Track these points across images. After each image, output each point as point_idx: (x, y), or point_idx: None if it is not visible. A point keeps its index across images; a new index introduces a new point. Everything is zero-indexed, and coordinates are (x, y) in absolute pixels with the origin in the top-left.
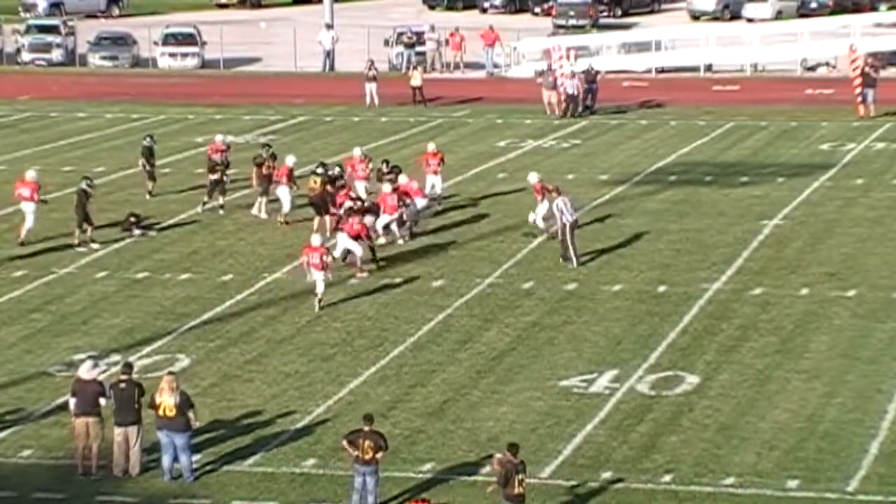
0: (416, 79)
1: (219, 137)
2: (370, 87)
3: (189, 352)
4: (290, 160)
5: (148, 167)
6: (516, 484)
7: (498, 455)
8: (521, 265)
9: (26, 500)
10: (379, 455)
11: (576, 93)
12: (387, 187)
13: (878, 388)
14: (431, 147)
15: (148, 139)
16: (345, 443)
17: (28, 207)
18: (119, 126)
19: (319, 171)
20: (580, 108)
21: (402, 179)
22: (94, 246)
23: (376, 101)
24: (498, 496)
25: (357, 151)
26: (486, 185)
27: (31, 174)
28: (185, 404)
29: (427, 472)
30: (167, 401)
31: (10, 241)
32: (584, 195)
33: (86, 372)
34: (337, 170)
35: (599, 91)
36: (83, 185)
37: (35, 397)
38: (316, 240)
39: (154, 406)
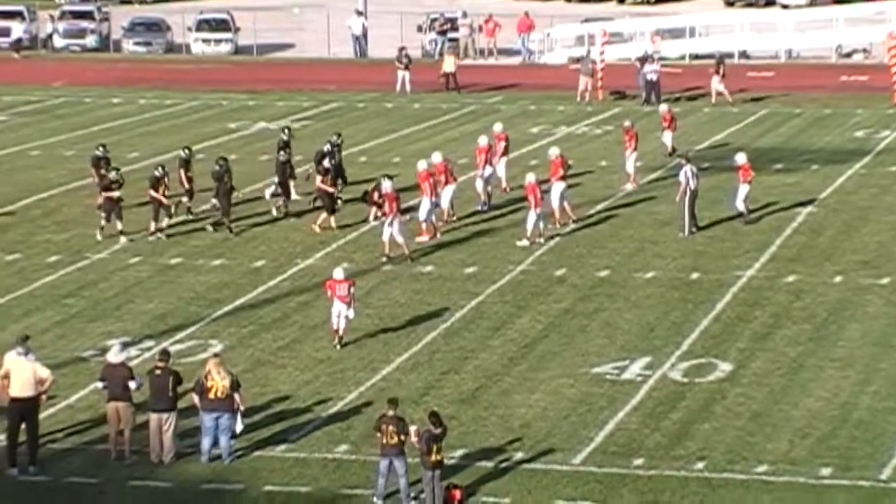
0: (450, 64)
1: (497, 127)
2: (403, 75)
3: (222, 338)
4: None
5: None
6: (434, 451)
7: (414, 427)
8: (553, 252)
9: (60, 485)
10: (403, 438)
11: (656, 79)
12: (420, 164)
13: None
14: (498, 128)
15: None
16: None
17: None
18: (152, 112)
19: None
20: (658, 96)
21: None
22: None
23: (408, 88)
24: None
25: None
26: (518, 172)
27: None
28: (234, 385)
29: (459, 459)
30: (220, 383)
31: (46, 226)
32: (616, 182)
33: (114, 356)
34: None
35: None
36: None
37: (69, 382)
38: (339, 273)
39: (205, 390)
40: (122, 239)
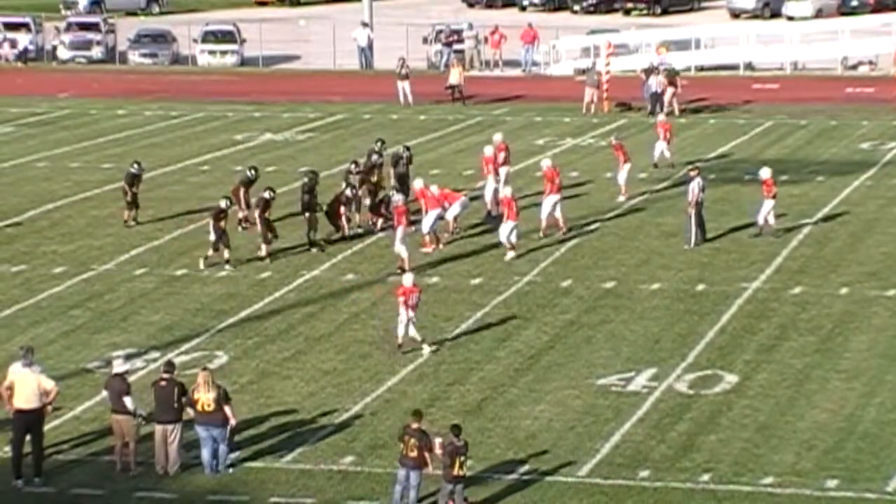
0: (455, 76)
1: (497, 137)
2: (402, 86)
3: (227, 349)
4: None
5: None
6: (457, 465)
7: (439, 439)
8: (559, 263)
9: (66, 497)
10: (425, 454)
11: (659, 90)
12: (419, 182)
13: None
14: (498, 138)
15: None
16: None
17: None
18: (158, 123)
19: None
20: (665, 107)
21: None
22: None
23: (410, 99)
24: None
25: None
26: (524, 184)
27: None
28: (222, 399)
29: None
30: (205, 396)
31: (52, 237)
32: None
33: (115, 368)
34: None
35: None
36: (266, 195)
37: (75, 393)
38: (408, 279)
39: (192, 403)
40: (227, 267)
